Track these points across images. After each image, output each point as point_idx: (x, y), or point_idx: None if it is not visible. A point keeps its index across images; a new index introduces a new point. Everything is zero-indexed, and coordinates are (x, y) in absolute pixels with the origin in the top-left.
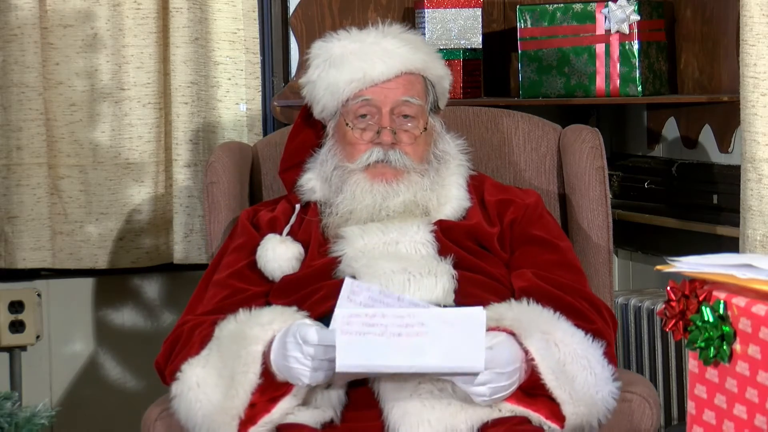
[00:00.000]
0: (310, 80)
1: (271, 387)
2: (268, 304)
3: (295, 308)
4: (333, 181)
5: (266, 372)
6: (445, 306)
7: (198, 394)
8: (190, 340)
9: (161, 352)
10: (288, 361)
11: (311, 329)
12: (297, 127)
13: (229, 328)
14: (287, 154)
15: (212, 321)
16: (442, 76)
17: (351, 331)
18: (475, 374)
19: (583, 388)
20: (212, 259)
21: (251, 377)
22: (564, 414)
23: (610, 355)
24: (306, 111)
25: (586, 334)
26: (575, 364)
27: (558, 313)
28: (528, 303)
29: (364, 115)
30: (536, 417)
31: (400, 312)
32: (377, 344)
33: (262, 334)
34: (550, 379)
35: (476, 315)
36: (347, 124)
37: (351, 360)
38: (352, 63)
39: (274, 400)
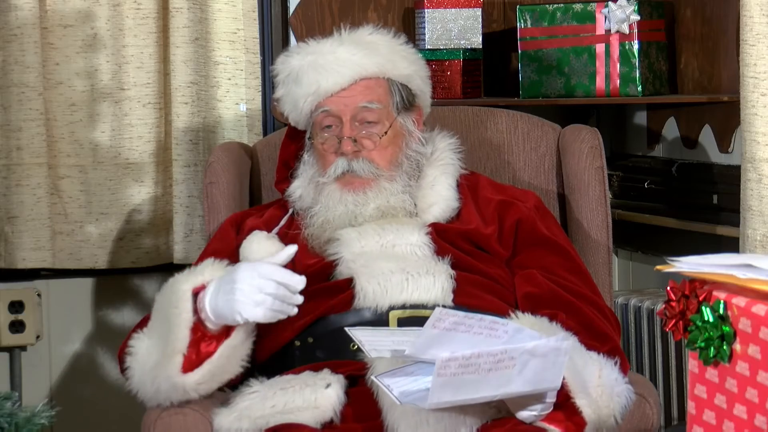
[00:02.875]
0: (279, 97)
1: (205, 336)
2: None
3: (227, 261)
4: (310, 192)
5: (198, 322)
6: (444, 306)
7: (145, 358)
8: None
9: (123, 344)
10: (234, 293)
11: (270, 265)
12: (286, 141)
13: (163, 294)
14: (279, 167)
15: None
16: (410, 75)
17: (446, 373)
18: (548, 391)
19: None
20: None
21: (185, 316)
22: (587, 420)
23: (623, 367)
24: (291, 127)
25: (598, 353)
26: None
27: (593, 353)
28: (558, 327)
29: (329, 126)
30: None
31: (495, 351)
32: (468, 381)
33: (191, 278)
34: (582, 402)
35: (564, 347)
36: (309, 138)
37: (442, 399)
38: (309, 76)
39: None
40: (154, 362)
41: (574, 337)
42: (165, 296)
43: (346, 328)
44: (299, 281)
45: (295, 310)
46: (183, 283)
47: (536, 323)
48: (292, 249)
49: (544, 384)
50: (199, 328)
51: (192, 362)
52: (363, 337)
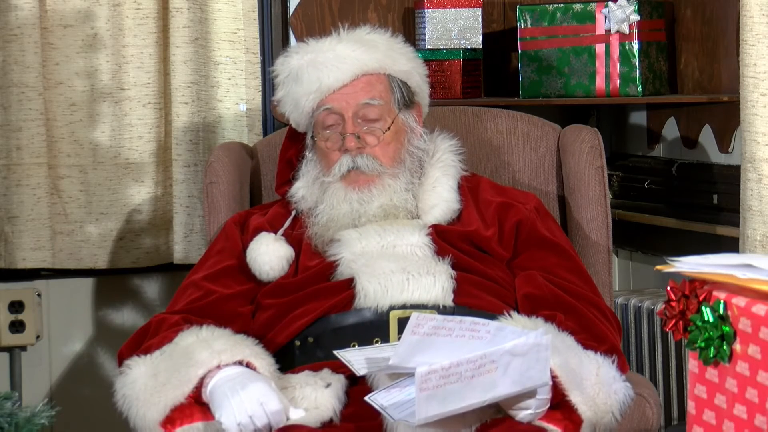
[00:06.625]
0: (279, 98)
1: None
2: (258, 305)
3: (252, 341)
4: (314, 192)
5: (197, 393)
6: (444, 306)
7: (133, 389)
8: (155, 335)
9: (126, 342)
10: (232, 397)
11: (279, 405)
12: (286, 144)
13: (188, 340)
14: (279, 171)
15: (180, 319)
16: (409, 71)
17: (428, 387)
18: (538, 388)
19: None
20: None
21: (178, 395)
22: (583, 417)
23: (622, 366)
24: (292, 129)
25: (596, 353)
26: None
27: (590, 352)
28: (555, 328)
29: (331, 125)
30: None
31: (473, 357)
32: (453, 391)
33: (208, 361)
34: (577, 399)
35: (544, 342)
36: (312, 137)
37: (429, 412)
38: (309, 74)
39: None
40: (137, 404)
41: (570, 337)
42: (185, 355)
43: (335, 351)
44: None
45: None
46: (198, 366)
47: (530, 324)
48: (300, 414)
49: (531, 382)
50: (197, 392)
51: (173, 420)
52: (351, 357)
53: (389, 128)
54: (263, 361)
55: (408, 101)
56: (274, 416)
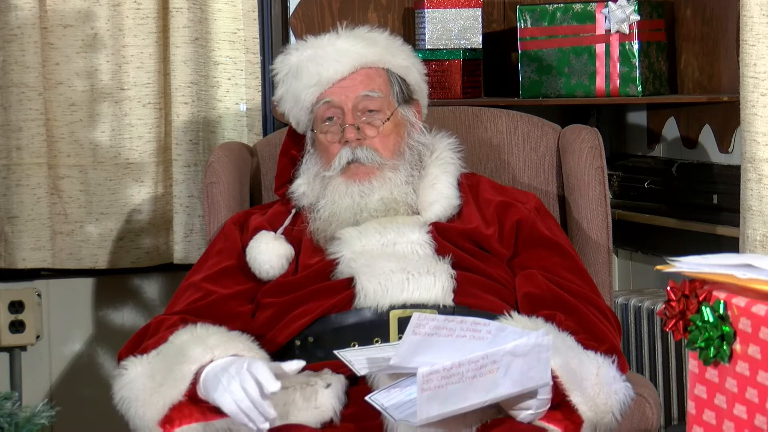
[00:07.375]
0: (279, 96)
1: (193, 408)
2: (258, 304)
3: (246, 336)
4: (315, 187)
5: (193, 390)
6: (444, 306)
7: (131, 390)
8: (153, 336)
9: (126, 344)
10: (222, 376)
11: (264, 366)
12: (285, 146)
13: (182, 338)
14: (279, 172)
15: (178, 319)
16: (408, 67)
17: (430, 387)
18: (539, 388)
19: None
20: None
21: (175, 393)
22: (583, 418)
23: (622, 366)
24: (292, 129)
25: (596, 353)
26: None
27: (590, 352)
28: (555, 328)
29: (331, 118)
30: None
31: (475, 358)
32: (454, 391)
33: (201, 356)
34: (578, 399)
35: (546, 343)
36: (313, 130)
37: (430, 413)
38: (309, 69)
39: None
40: (136, 404)
41: (570, 337)
42: (179, 352)
43: (335, 351)
44: (273, 385)
45: (263, 426)
46: (190, 362)
47: (530, 324)
48: (299, 364)
49: (532, 382)
50: (193, 389)
51: (171, 420)
52: (352, 357)
53: (388, 119)
54: (257, 354)
55: (407, 97)
56: (266, 382)
